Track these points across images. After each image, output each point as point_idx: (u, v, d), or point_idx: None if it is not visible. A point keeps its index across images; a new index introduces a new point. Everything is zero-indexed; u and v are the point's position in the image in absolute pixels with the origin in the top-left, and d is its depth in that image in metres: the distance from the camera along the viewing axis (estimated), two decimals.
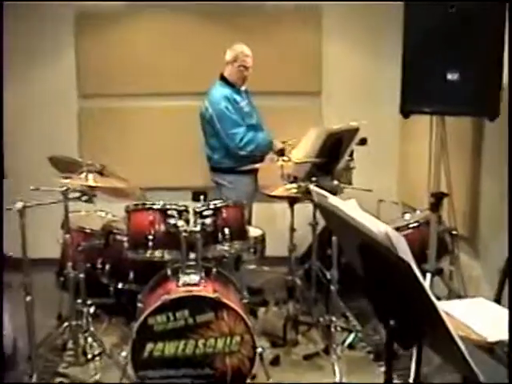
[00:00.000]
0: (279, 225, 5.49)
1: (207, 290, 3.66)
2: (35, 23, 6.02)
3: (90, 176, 3.81)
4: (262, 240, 4.45)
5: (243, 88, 5.27)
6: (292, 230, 4.47)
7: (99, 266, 4.39)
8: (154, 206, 3.91)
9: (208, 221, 3.86)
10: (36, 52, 6.11)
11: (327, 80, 6.28)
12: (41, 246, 4.46)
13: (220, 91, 5.11)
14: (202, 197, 5.43)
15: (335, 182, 4.18)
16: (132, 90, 6.14)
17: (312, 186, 2.30)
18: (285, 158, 4.26)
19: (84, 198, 3.68)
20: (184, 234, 3.72)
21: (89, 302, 4.32)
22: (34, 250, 3.72)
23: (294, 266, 4.65)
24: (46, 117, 6.16)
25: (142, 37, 6.16)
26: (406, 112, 3.82)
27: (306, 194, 4.21)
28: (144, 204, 3.94)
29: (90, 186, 3.76)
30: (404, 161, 6.22)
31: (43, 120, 6.15)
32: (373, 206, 5.18)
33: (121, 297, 4.53)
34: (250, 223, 4.94)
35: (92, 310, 4.35)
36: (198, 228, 3.73)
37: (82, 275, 4.17)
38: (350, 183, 5.06)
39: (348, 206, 1.95)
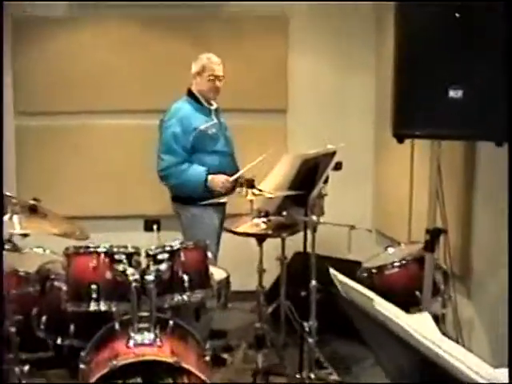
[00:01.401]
0: (244, 255, 4.84)
1: (164, 352, 3.04)
2: None
3: (15, 219, 3.11)
4: (226, 283, 3.81)
5: (214, 106, 4.62)
6: (261, 270, 3.89)
7: (34, 316, 3.68)
8: (99, 249, 3.25)
9: (163, 266, 3.22)
10: None
11: (293, 95, 5.77)
12: None
13: (178, 107, 4.52)
14: (155, 226, 4.90)
15: (313, 218, 3.57)
16: (76, 106, 5.55)
17: (333, 271, 1.69)
18: (255, 190, 3.63)
19: (7, 246, 3.00)
20: (134, 283, 3.07)
21: (23, 357, 3.64)
22: None
23: (262, 310, 4.17)
24: None
25: (88, 46, 5.55)
26: (399, 136, 3.20)
27: (277, 230, 3.64)
28: (87, 247, 3.28)
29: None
30: (379, 185, 5.73)
31: None
32: (343, 233, 4.60)
33: (61, 349, 3.84)
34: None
35: (26, 367, 3.66)
36: (152, 277, 3.09)
37: (12, 328, 3.50)
38: (322, 212, 4.46)
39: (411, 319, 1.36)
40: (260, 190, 3.59)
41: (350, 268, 4.22)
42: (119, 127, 5.62)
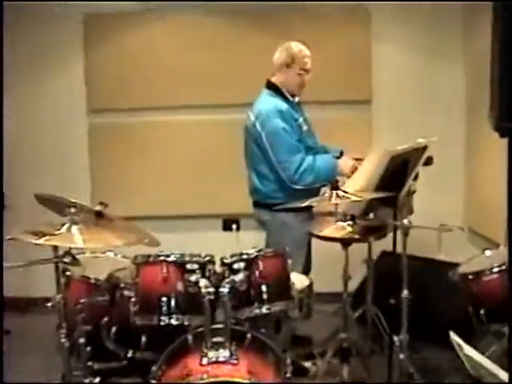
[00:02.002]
0: (327, 255, 4.50)
1: (239, 372, 2.75)
2: (37, 28, 5.28)
3: (75, 230, 2.85)
4: (309, 292, 3.48)
5: (296, 99, 4.19)
6: (347, 277, 3.56)
7: (104, 327, 3.46)
8: (169, 259, 2.98)
9: (239, 277, 2.93)
10: (39, 61, 5.33)
11: (378, 87, 5.39)
12: (41, 284, 3.85)
13: (272, 103, 4.01)
14: (234, 226, 4.58)
15: (405, 221, 3.21)
16: (151, 102, 5.36)
17: (453, 336, 1.37)
18: (339, 192, 3.27)
19: (67, 259, 2.75)
20: (208, 296, 2.79)
21: (95, 367, 3.44)
22: (35, 289, 3.44)
23: (348, 318, 3.93)
24: (52, 136, 5.41)
25: (162, 40, 5.33)
26: (503, 129, 2.78)
27: (364, 234, 3.30)
28: (156, 256, 3.02)
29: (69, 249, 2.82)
30: (472, 179, 5.30)
31: (49, 140, 5.41)
32: (433, 231, 4.21)
33: (133, 360, 3.61)
34: (308, 271, 4.10)
35: (97, 380, 3.45)
36: (226, 289, 2.80)
37: (82, 340, 3.28)
38: (411, 210, 4.10)
39: None
40: (345, 192, 3.24)
41: (442, 269, 3.96)
42: (193, 123, 5.39)
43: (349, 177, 3.80)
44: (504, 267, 3.53)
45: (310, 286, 3.50)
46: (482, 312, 3.39)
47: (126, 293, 3.37)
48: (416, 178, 3.91)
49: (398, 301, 3.54)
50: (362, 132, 5.28)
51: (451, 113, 5.28)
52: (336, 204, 3.31)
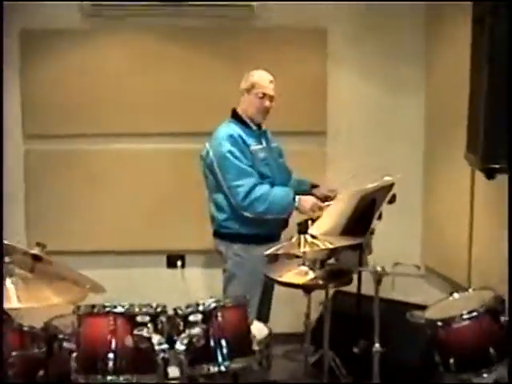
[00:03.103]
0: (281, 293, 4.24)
1: None
2: None
3: (9, 284, 2.50)
4: (268, 343, 3.16)
5: (261, 128, 4.11)
6: (308, 324, 3.30)
7: (39, 383, 3.08)
8: (116, 310, 2.64)
9: (197, 331, 2.61)
10: None
11: (333, 116, 5.15)
12: None
13: (225, 130, 3.93)
14: (179, 263, 4.96)
15: (378, 268, 2.98)
16: (94, 128, 4.99)
17: None
18: (308, 237, 2.99)
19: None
20: (162, 354, 2.47)
21: None
22: None
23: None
24: None
25: (110, 62, 4.99)
26: (489, 170, 2.57)
27: (328, 280, 3.05)
28: (102, 306, 2.67)
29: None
30: (430, 217, 5.10)
31: None
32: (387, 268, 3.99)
33: None
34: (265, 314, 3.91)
35: None
36: (183, 346, 2.48)
37: None
38: (370, 250, 3.88)
39: None
40: (313, 237, 2.96)
41: (398, 310, 3.85)
42: (140, 152, 5.06)
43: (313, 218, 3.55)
44: (475, 313, 3.32)
45: (270, 334, 3.20)
46: (451, 361, 3.15)
47: (66, 345, 3.01)
48: (380, 217, 3.72)
49: (361, 349, 3.30)
50: (315, 164, 5.04)
51: (410, 147, 5.09)
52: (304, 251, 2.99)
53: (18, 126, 4.97)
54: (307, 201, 3.81)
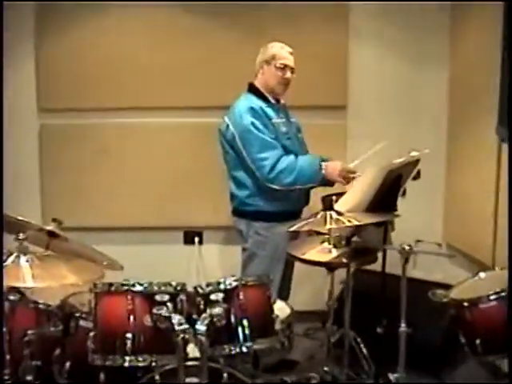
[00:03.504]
0: (298, 270, 4.17)
1: None
2: None
3: (23, 262, 2.40)
4: (290, 323, 3.08)
5: (281, 102, 4.01)
6: (331, 305, 3.21)
7: (56, 362, 3.01)
8: (135, 288, 2.56)
9: (218, 310, 2.51)
10: None
11: (354, 90, 5.00)
12: None
13: (245, 103, 3.80)
14: (196, 239, 4.83)
15: (405, 246, 2.86)
16: (110, 102, 4.86)
17: None
18: (334, 214, 2.88)
19: (13, 297, 2.30)
20: (182, 334, 2.38)
21: None
22: None
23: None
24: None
25: (126, 34, 4.83)
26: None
27: (353, 258, 2.94)
28: (121, 285, 2.59)
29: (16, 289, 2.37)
30: (452, 194, 4.96)
31: None
32: None
33: None
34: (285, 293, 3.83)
35: None
36: (204, 326, 2.39)
37: (29, 377, 2.85)
38: (393, 227, 3.77)
39: None
40: (339, 214, 2.84)
41: (419, 288, 3.63)
42: (157, 127, 4.93)
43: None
44: (503, 294, 3.21)
45: (292, 314, 3.12)
46: (477, 342, 3.06)
47: (83, 323, 2.95)
48: (404, 193, 3.61)
49: (384, 329, 3.20)
50: (336, 139, 4.91)
51: (433, 123, 4.95)
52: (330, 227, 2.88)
53: (32, 100, 4.86)
54: (335, 166, 3.70)
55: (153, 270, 4.74)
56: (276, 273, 3.71)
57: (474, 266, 4.27)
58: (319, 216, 2.87)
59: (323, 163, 3.71)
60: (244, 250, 3.93)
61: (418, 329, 3.85)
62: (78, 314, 2.97)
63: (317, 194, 3.84)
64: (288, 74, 3.84)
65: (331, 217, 2.83)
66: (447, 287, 3.46)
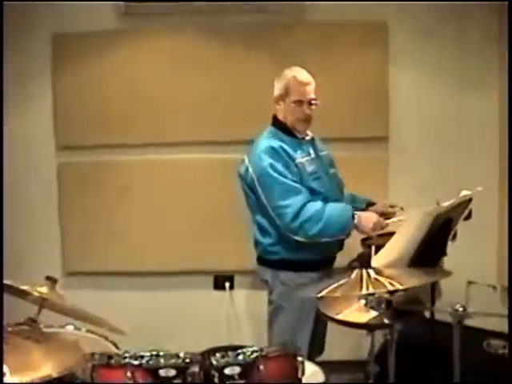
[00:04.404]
0: None
1: None
2: None
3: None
4: None
5: (309, 136, 3.55)
6: (371, 370, 2.78)
7: None
8: (135, 362, 2.17)
9: None
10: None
11: (396, 120, 4.58)
12: None
13: (265, 142, 3.38)
14: (227, 284, 4.54)
15: (459, 308, 2.45)
16: (132, 138, 4.55)
17: None
18: (372, 272, 2.45)
19: None
20: None
21: None
22: None
23: None
24: (16, 178, 4.56)
25: (145, 66, 4.52)
26: None
27: (395, 318, 2.52)
28: (119, 357, 2.21)
29: None
30: (506, 230, 4.47)
31: (13, 183, 4.53)
32: (460, 289, 3.47)
33: None
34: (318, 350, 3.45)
35: None
36: None
37: None
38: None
39: None
40: (379, 273, 2.41)
41: (473, 338, 3.18)
42: (180, 163, 4.60)
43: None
44: None
45: (326, 382, 2.69)
46: None
47: None
48: (454, 237, 3.20)
49: None
50: (377, 173, 4.53)
51: (483, 154, 4.53)
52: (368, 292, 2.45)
53: (50, 136, 4.58)
54: (369, 218, 3.26)
55: (180, 317, 4.52)
56: (305, 328, 3.34)
57: None
58: (353, 276, 2.44)
59: (356, 213, 3.27)
60: (270, 303, 3.53)
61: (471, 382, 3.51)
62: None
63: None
64: (307, 110, 3.40)
65: (368, 276, 2.40)
66: (503, 336, 3.14)
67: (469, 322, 3.72)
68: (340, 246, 3.48)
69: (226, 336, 4.56)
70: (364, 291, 2.32)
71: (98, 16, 4.47)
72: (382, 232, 3.35)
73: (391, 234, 3.44)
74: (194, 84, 4.48)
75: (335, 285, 2.43)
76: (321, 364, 2.88)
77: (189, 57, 4.49)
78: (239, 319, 4.66)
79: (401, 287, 2.29)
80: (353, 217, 3.25)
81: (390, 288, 2.29)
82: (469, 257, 4.27)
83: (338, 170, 3.75)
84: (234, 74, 4.46)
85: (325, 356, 3.57)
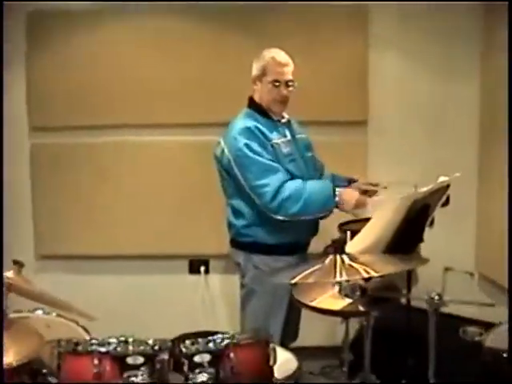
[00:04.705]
0: None
1: None
2: None
3: None
4: (297, 380, 2.60)
5: (285, 118, 3.47)
6: (345, 357, 2.75)
7: None
8: (103, 348, 2.11)
9: (204, 377, 2.06)
10: None
11: (376, 104, 4.52)
12: None
13: (241, 123, 3.31)
14: (202, 268, 4.50)
15: (435, 296, 2.41)
16: (106, 119, 4.46)
17: None
18: (346, 258, 2.39)
19: None
20: None
21: None
22: None
23: None
24: None
25: (120, 46, 4.43)
26: None
27: (371, 306, 2.48)
28: (87, 343, 2.15)
29: None
30: (485, 218, 4.50)
31: None
32: (436, 276, 3.42)
33: None
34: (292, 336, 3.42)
35: None
36: None
37: None
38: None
39: None
40: (352, 258, 2.35)
41: (448, 325, 3.15)
42: (157, 145, 4.51)
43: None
44: None
45: (299, 368, 2.64)
46: None
47: (51, 380, 2.52)
48: (432, 223, 3.17)
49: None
50: (356, 157, 4.47)
51: (462, 141, 4.50)
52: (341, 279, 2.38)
53: (23, 118, 4.49)
54: (351, 195, 3.20)
55: (155, 301, 4.46)
56: (278, 313, 3.27)
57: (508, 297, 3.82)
58: (327, 262, 2.38)
59: (338, 189, 3.20)
60: (242, 286, 3.46)
61: (447, 369, 3.49)
62: (45, 371, 2.53)
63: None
64: (283, 91, 3.32)
65: (342, 262, 2.34)
66: (479, 324, 3.19)
67: (445, 309, 3.75)
68: (315, 229, 3.42)
69: (201, 321, 4.50)
70: (338, 278, 2.26)
71: None
72: (361, 216, 3.33)
73: (369, 219, 3.44)
74: (171, 66, 4.40)
75: (308, 271, 2.37)
76: (295, 350, 2.87)
77: (166, 38, 4.41)
78: (214, 304, 4.62)
79: (375, 274, 2.24)
80: (334, 194, 3.18)
81: (365, 275, 2.23)
82: (446, 243, 4.26)
83: (316, 154, 3.68)
84: (213, 56, 4.39)
85: (299, 342, 3.52)
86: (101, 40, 4.41)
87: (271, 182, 3.13)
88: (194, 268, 4.61)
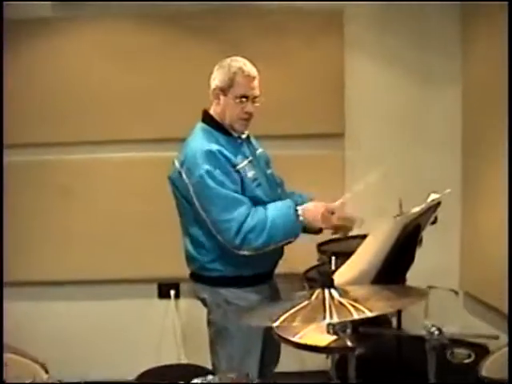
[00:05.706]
0: None
1: None
2: None
3: None
4: None
5: (244, 133, 3.12)
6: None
7: None
8: None
9: None
10: None
11: (352, 115, 4.37)
12: None
13: (200, 144, 2.93)
14: (172, 292, 4.37)
15: (432, 328, 2.16)
16: (67, 135, 4.26)
17: None
18: (336, 293, 2.10)
19: None
20: None
21: None
22: None
23: None
24: None
25: (77, 55, 4.23)
26: None
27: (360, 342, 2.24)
28: None
29: None
30: (470, 233, 4.35)
31: None
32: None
33: None
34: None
35: None
36: None
37: None
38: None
39: None
40: (341, 293, 2.08)
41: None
42: (125, 162, 4.33)
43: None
44: None
45: None
46: None
47: None
48: (420, 242, 3.00)
49: None
50: (333, 172, 4.31)
51: (445, 150, 4.36)
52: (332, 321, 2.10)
53: None
54: (315, 210, 2.90)
55: (124, 328, 4.23)
56: (254, 353, 2.97)
57: (497, 318, 3.86)
58: (314, 298, 2.10)
59: (299, 208, 2.90)
60: (209, 324, 3.11)
61: None
62: None
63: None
64: (250, 108, 2.97)
65: (332, 297, 2.06)
66: (466, 345, 3.08)
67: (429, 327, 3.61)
68: (282, 251, 3.12)
69: (172, 348, 4.36)
70: (328, 319, 1.99)
71: (31, 3, 4.19)
72: (337, 236, 3.18)
73: (350, 238, 3.22)
74: (133, 78, 4.20)
75: (294, 310, 2.09)
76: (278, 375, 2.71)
77: (130, 48, 4.22)
78: (186, 330, 4.43)
79: (369, 314, 1.98)
80: (297, 214, 2.89)
81: (357, 317, 1.97)
82: (429, 260, 4.07)
83: (274, 169, 3.36)
84: (175, 65, 4.22)
85: (282, 367, 3.29)
86: (57, 51, 4.22)
87: (235, 217, 2.82)
88: (163, 292, 4.43)
